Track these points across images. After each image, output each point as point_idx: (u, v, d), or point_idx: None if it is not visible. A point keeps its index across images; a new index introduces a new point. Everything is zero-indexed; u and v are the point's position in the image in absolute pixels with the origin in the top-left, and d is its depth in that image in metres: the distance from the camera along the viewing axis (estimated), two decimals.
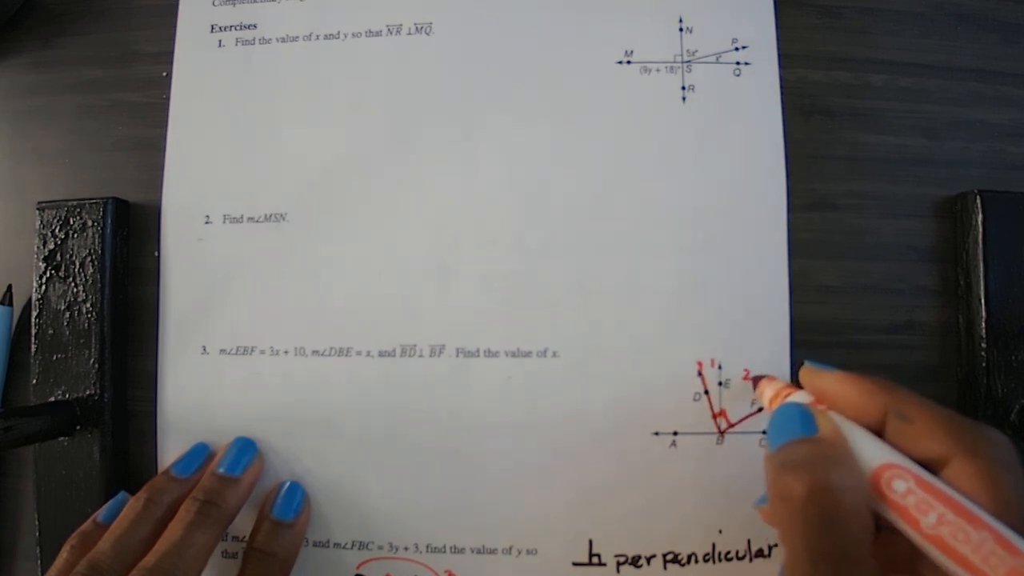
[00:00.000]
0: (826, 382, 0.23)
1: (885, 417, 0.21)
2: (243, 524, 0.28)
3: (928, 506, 0.18)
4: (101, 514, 0.27)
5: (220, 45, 0.32)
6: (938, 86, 0.31)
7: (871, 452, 0.20)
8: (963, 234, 0.29)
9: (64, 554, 0.25)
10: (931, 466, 0.19)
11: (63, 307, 0.30)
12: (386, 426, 0.29)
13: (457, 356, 0.29)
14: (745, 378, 0.28)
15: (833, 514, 0.19)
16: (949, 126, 0.31)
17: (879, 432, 0.21)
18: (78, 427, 0.29)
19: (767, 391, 0.26)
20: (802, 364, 0.24)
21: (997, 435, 0.19)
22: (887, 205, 0.30)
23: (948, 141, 0.31)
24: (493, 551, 0.28)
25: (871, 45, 0.31)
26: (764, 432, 0.28)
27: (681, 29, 0.30)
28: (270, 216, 0.30)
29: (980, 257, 0.28)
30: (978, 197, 0.29)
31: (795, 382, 0.25)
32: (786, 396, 0.24)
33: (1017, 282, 0.28)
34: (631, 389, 0.28)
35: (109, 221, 0.30)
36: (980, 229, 0.29)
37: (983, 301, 0.28)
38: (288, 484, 0.28)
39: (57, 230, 0.31)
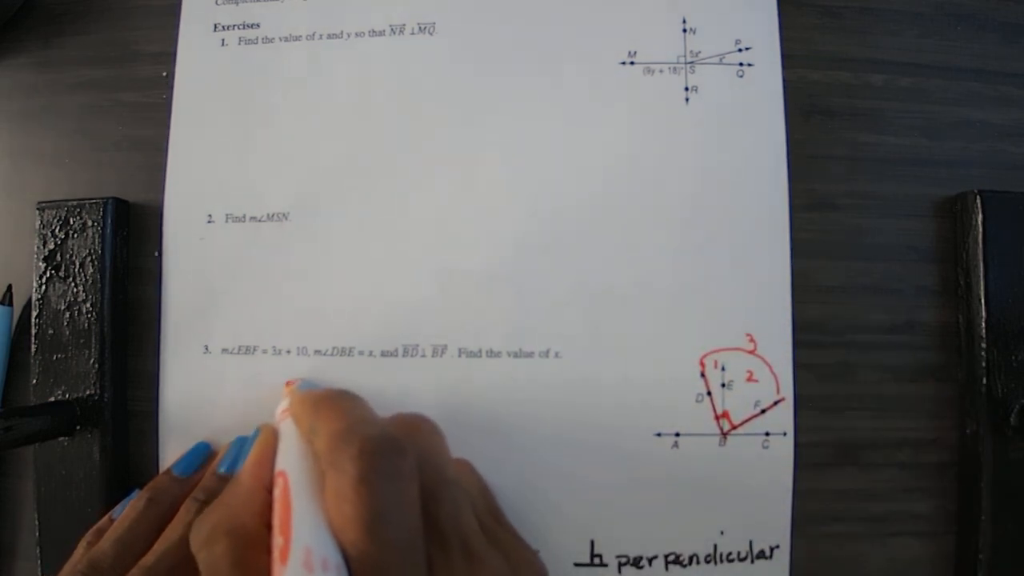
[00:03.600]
0: (289, 399, 0.25)
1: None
2: None
3: (276, 512, 0.20)
4: (116, 511, 0.27)
5: (223, 44, 0.32)
6: (938, 86, 0.31)
7: (279, 459, 0.23)
8: (963, 234, 0.29)
9: (80, 550, 0.25)
10: None
11: (63, 307, 0.30)
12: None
13: (459, 356, 0.29)
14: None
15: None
16: (949, 126, 0.31)
17: None
18: (78, 427, 0.29)
19: (279, 406, 0.27)
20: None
21: (363, 448, 0.20)
22: (887, 205, 0.30)
23: (948, 141, 0.31)
24: None
25: (871, 45, 0.31)
26: (767, 434, 0.28)
27: (684, 30, 0.30)
28: (272, 215, 0.30)
29: (980, 257, 0.29)
30: (978, 197, 0.29)
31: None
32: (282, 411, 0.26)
33: (1017, 282, 0.29)
34: (633, 390, 0.28)
35: (109, 221, 0.30)
36: (980, 229, 0.29)
37: (983, 301, 0.28)
38: None
39: (57, 230, 0.31)
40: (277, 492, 0.21)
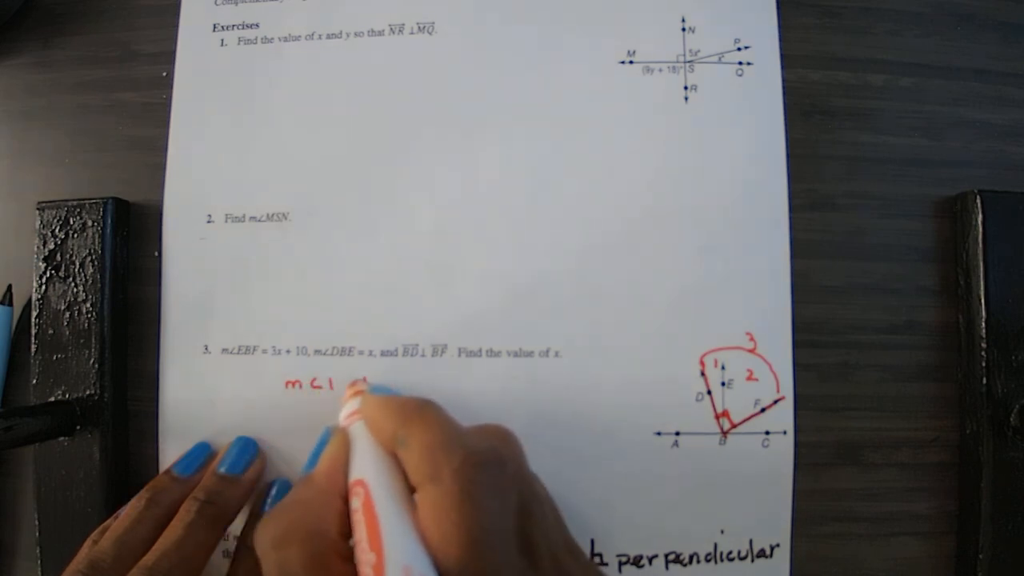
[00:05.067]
0: (363, 403, 0.25)
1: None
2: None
3: (359, 524, 0.20)
4: (122, 511, 0.27)
5: (222, 44, 0.32)
6: (938, 86, 0.31)
7: (355, 467, 0.22)
8: (963, 234, 0.29)
9: (84, 549, 0.25)
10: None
11: (63, 307, 0.30)
12: None
13: (459, 356, 0.29)
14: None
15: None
16: (949, 126, 0.31)
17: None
18: (78, 427, 0.29)
19: (346, 408, 0.26)
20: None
21: (466, 462, 0.20)
22: (887, 205, 0.30)
23: (948, 141, 0.31)
24: None
25: (871, 45, 0.31)
26: (767, 433, 0.28)
27: (683, 29, 0.30)
28: (272, 215, 0.30)
29: (980, 257, 0.29)
30: (978, 197, 0.29)
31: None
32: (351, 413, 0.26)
33: (1017, 282, 0.29)
34: (633, 389, 0.28)
35: (109, 221, 0.30)
36: (980, 229, 0.29)
37: (983, 301, 0.28)
38: (279, 482, 0.28)
39: (57, 230, 0.31)
40: (357, 503, 0.20)
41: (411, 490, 0.21)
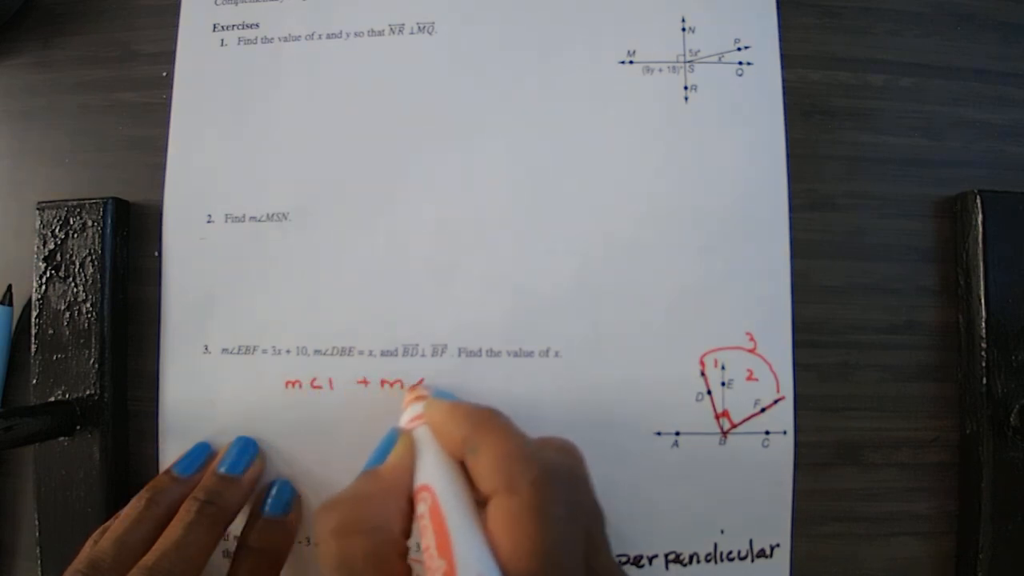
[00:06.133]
0: (428, 408, 0.24)
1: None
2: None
3: (426, 530, 0.19)
4: (123, 511, 0.27)
5: (222, 44, 0.32)
6: (938, 86, 0.31)
7: (421, 471, 0.22)
8: (963, 234, 0.29)
9: (85, 548, 0.25)
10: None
11: (63, 307, 0.30)
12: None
13: (459, 356, 0.29)
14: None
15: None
16: (949, 126, 0.31)
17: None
18: (78, 427, 0.29)
19: (408, 412, 0.26)
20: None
21: (544, 474, 0.19)
22: (887, 205, 0.30)
23: (948, 141, 0.31)
24: None
25: (871, 45, 0.31)
26: (767, 433, 0.28)
27: (683, 29, 0.30)
28: (272, 215, 0.30)
29: (980, 257, 0.29)
30: (978, 197, 0.29)
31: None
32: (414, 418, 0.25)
33: (1017, 282, 0.29)
34: (633, 389, 0.28)
35: (109, 221, 0.30)
36: (980, 229, 0.29)
37: (983, 301, 0.28)
38: (279, 482, 0.28)
39: (57, 230, 0.31)
40: (424, 508, 0.20)
41: (476, 498, 0.20)
